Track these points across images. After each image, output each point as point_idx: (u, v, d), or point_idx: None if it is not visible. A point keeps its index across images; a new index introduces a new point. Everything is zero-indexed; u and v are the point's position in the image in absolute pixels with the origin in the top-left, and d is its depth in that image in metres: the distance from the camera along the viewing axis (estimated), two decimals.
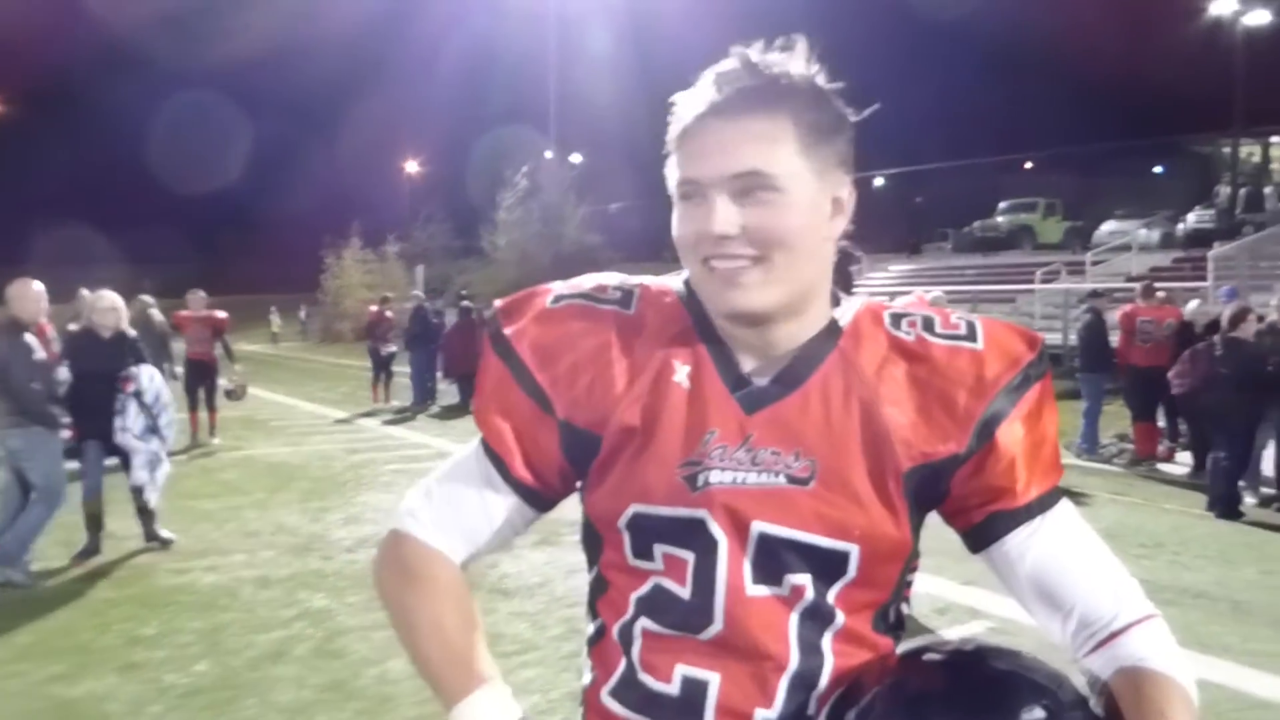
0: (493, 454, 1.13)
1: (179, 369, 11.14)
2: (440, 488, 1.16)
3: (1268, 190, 24.83)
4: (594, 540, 1.13)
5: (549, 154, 36.68)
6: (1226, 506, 7.60)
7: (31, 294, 5.89)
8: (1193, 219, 24.45)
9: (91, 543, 6.26)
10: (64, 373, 6.16)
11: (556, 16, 35.44)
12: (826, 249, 1.07)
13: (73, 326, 7.19)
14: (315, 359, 29.83)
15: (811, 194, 1.03)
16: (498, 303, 1.16)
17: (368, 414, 14.61)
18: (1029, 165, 43.00)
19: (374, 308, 16.50)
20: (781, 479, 1.03)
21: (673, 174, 1.06)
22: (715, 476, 1.03)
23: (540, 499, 1.14)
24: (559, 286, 1.14)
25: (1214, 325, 8.98)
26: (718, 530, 1.03)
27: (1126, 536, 6.86)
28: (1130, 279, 18.61)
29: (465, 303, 16.24)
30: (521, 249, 35.21)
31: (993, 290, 19.96)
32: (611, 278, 1.16)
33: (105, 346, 6.42)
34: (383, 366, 15.61)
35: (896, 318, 1.10)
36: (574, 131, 39.11)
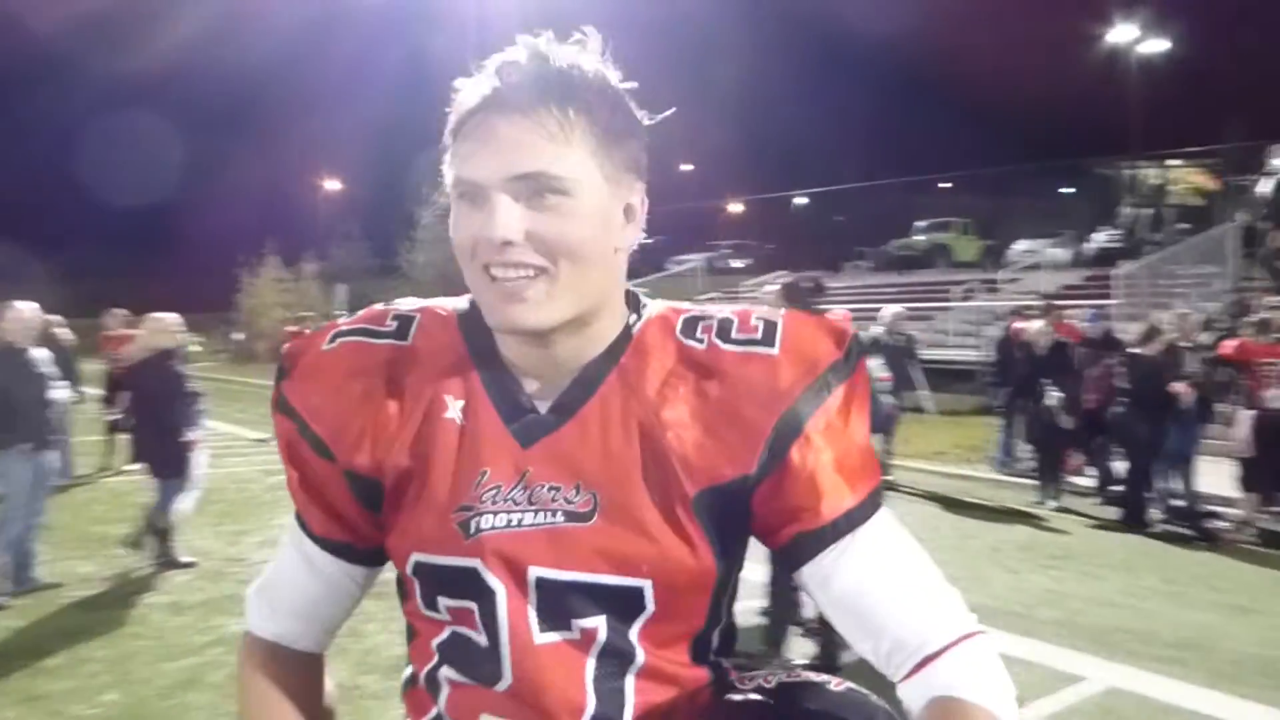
0: (299, 516, 1.08)
1: (86, 390, 10.77)
2: (271, 570, 1.12)
3: (1167, 212, 25.89)
4: (399, 585, 1.06)
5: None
6: (1132, 516, 7.89)
7: (25, 315, 6.09)
8: (1100, 238, 25.37)
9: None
10: None
11: (476, 34, 35.32)
12: (617, 260, 0.99)
13: None
14: (231, 379, 29.08)
15: (603, 200, 0.95)
16: (284, 348, 1.10)
17: None
18: (944, 185, 44.14)
19: (290, 328, 16.17)
20: (560, 517, 0.96)
21: (450, 171, 0.97)
22: (487, 521, 0.96)
23: (357, 552, 1.07)
24: (342, 322, 1.08)
25: (1106, 342, 9.45)
26: (493, 579, 0.96)
27: (1039, 548, 7.08)
28: (1042, 296, 19.25)
29: None
30: (440, 267, 34.89)
31: (911, 307, 20.41)
32: (401, 304, 1.09)
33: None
34: None
35: (691, 323, 1.01)
36: None
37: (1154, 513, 8.07)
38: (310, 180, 54.03)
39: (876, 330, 9.79)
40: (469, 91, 0.96)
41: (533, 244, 0.92)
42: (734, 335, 0.99)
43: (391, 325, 1.05)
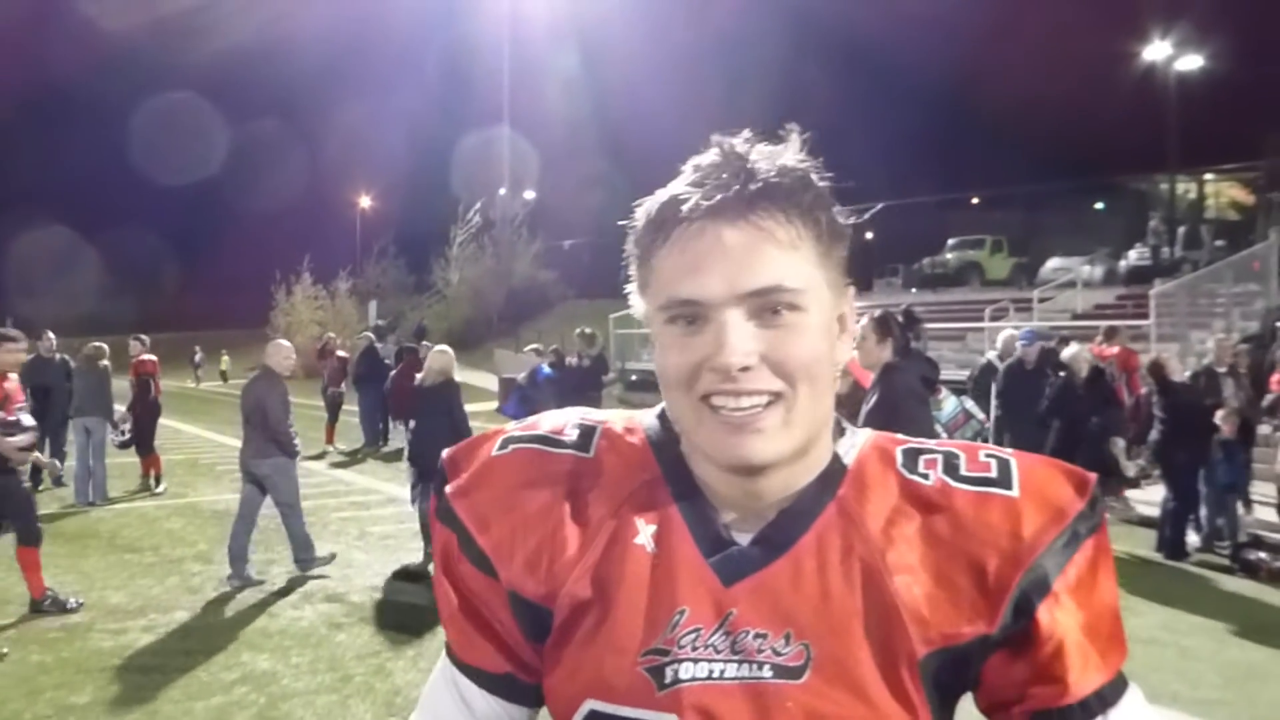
0: (450, 650, 0.97)
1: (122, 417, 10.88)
2: (419, 716, 1.00)
3: (1204, 228, 25.56)
4: None
5: (502, 190, 36.77)
6: (1173, 548, 7.72)
7: (285, 350, 7.57)
8: (1133, 256, 25.06)
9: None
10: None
11: (511, 53, 35.65)
12: (835, 378, 0.90)
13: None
14: None
15: (828, 312, 0.86)
16: (445, 453, 0.99)
17: (317, 456, 14.36)
18: (975, 201, 43.85)
19: (318, 344, 16.28)
20: (767, 671, 0.83)
21: (656, 293, 0.86)
22: (686, 671, 0.83)
23: (520, 687, 0.95)
24: (511, 428, 0.98)
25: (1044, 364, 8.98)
26: None
27: None
28: (1075, 316, 19.02)
29: (407, 343, 15.93)
30: (474, 285, 35.10)
31: (943, 328, 20.25)
32: (572, 414, 0.98)
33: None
34: (331, 407, 15.39)
35: (912, 455, 0.90)
36: (527, 167, 39.26)
37: (1193, 539, 7.91)
38: (346, 198, 54.68)
39: (990, 355, 9.59)
40: (669, 202, 0.85)
41: (769, 366, 0.82)
42: (964, 472, 0.88)
43: (572, 435, 0.95)
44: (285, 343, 7.86)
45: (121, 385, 11.07)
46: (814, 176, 0.86)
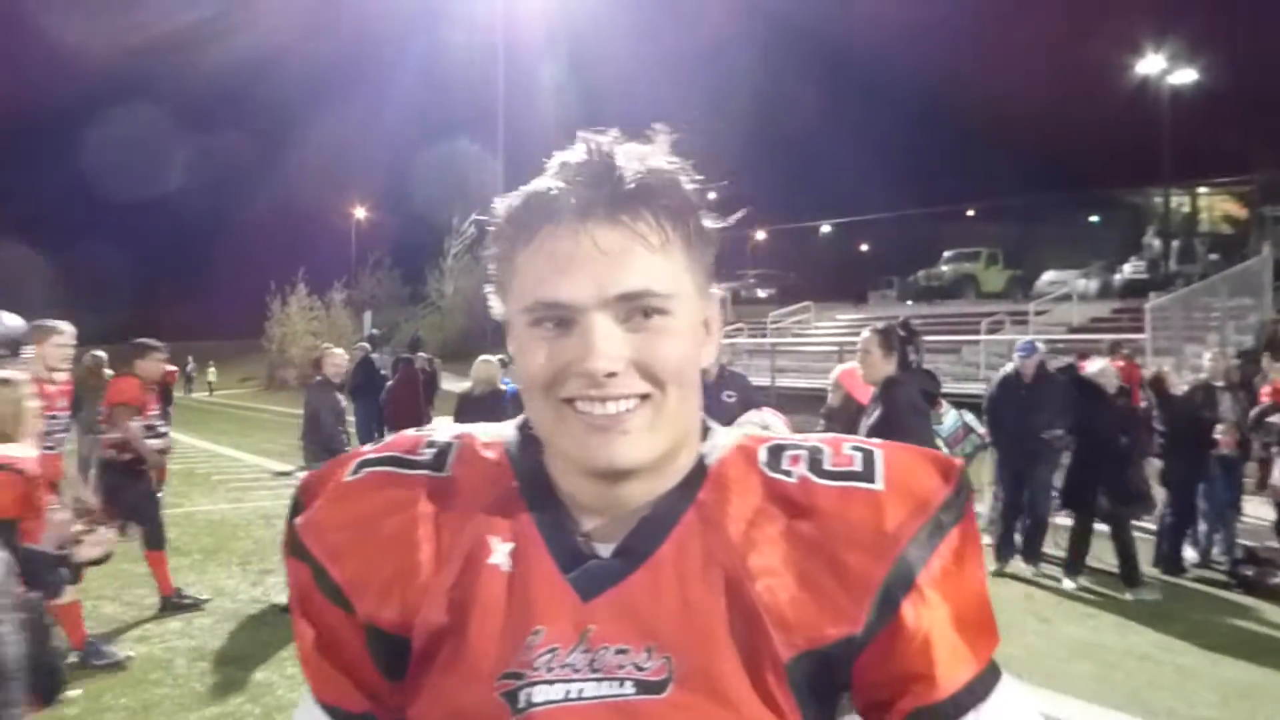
0: (309, 685, 0.92)
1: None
2: None
3: (1198, 242, 25.67)
4: None
5: (496, 201, 36.84)
6: (1170, 563, 7.71)
7: (338, 358, 7.72)
8: (1128, 270, 25.16)
9: None
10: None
11: (505, 63, 35.70)
12: (699, 382, 0.87)
13: None
14: (259, 408, 29.30)
15: (696, 316, 0.85)
16: (300, 481, 0.95)
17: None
18: (970, 214, 43.99)
19: (315, 355, 16.20)
20: (629, 687, 0.79)
21: (520, 295, 0.83)
22: (541, 693, 0.79)
23: None
24: (367, 450, 0.93)
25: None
26: None
27: (1074, 595, 6.92)
28: (1071, 330, 19.09)
29: (403, 354, 15.86)
30: (469, 296, 35.07)
31: (938, 340, 20.28)
32: (435, 430, 0.94)
33: None
34: None
35: (775, 452, 0.88)
36: (523, 178, 39.14)
37: (1189, 556, 7.90)
38: (341, 209, 54.68)
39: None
40: (534, 201, 0.83)
41: (637, 370, 0.81)
42: (827, 467, 0.86)
43: (426, 454, 0.91)
44: (339, 350, 8.09)
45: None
46: (683, 179, 0.84)
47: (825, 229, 51.24)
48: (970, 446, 5.16)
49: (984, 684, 0.84)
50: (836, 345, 20.03)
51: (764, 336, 25.27)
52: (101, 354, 10.60)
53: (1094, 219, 43.54)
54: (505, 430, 0.93)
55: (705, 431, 0.91)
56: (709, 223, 0.86)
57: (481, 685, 0.81)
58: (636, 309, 0.80)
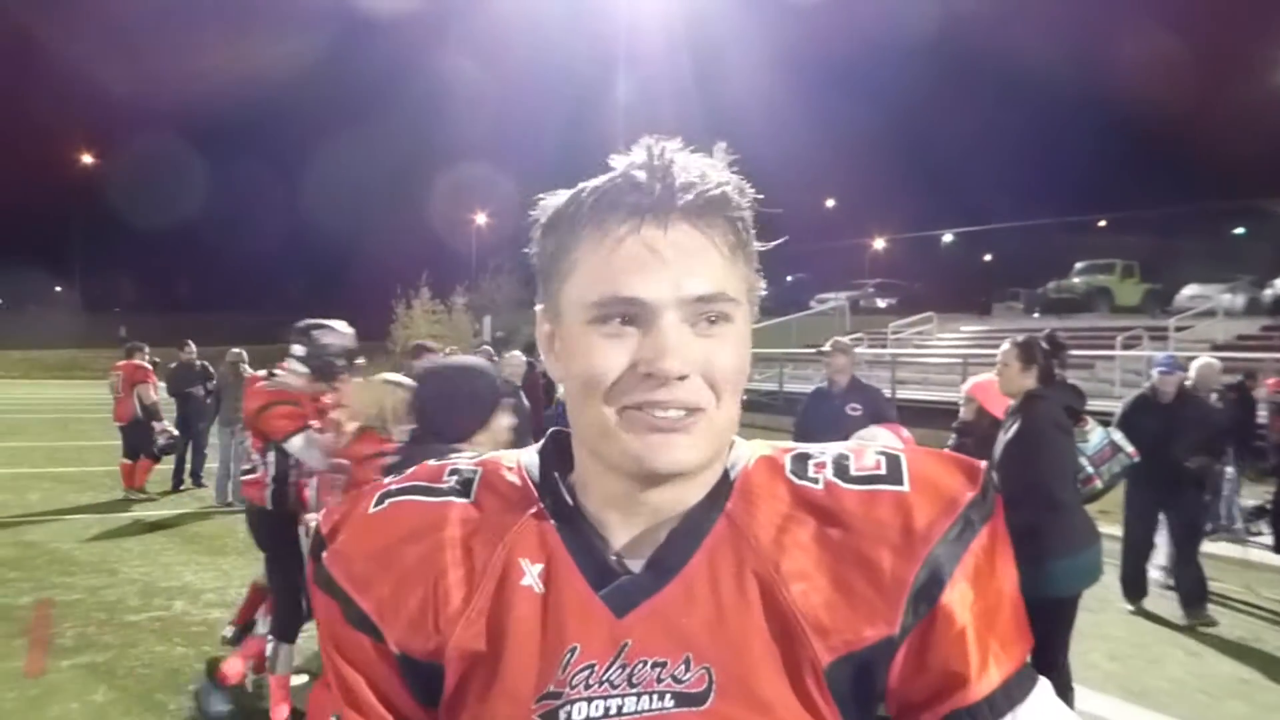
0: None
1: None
2: None
3: None
4: None
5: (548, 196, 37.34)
6: None
7: (516, 361, 7.86)
8: (1279, 284, 23.76)
9: None
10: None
11: (625, 67, 36.10)
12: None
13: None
14: None
15: (749, 328, 0.86)
16: (323, 516, 0.94)
17: None
18: (1102, 224, 42.35)
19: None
20: (669, 701, 0.79)
21: (584, 289, 0.81)
22: (580, 712, 0.80)
23: None
24: (390, 481, 0.94)
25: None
26: None
27: (1224, 626, 6.54)
28: (1215, 347, 18.11)
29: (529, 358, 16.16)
30: None
31: (1070, 355, 19.56)
32: (460, 458, 0.95)
33: None
34: None
35: (800, 461, 0.89)
36: None
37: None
38: (464, 215, 56.05)
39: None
40: (606, 189, 0.82)
41: (704, 377, 0.80)
42: (853, 472, 0.86)
43: (449, 481, 0.91)
44: (519, 353, 8.23)
45: None
46: (744, 195, 0.84)
47: (947, 238, 50.08)
48: (1119, 466, 4.92)
49: (1020, 687, 0.83)
50: (960, 357, 19.50)
51: (884, 347, 24.81)
52: (241, 352, 11.12)
53: (1239, 231, 41.37)
54: (525, 455, 0.94)
55: (729, 444, 0.91)
56: (752, 236, 0.86)
57: (520, 707, 0.82)
58: (704, 314, 0.80)
